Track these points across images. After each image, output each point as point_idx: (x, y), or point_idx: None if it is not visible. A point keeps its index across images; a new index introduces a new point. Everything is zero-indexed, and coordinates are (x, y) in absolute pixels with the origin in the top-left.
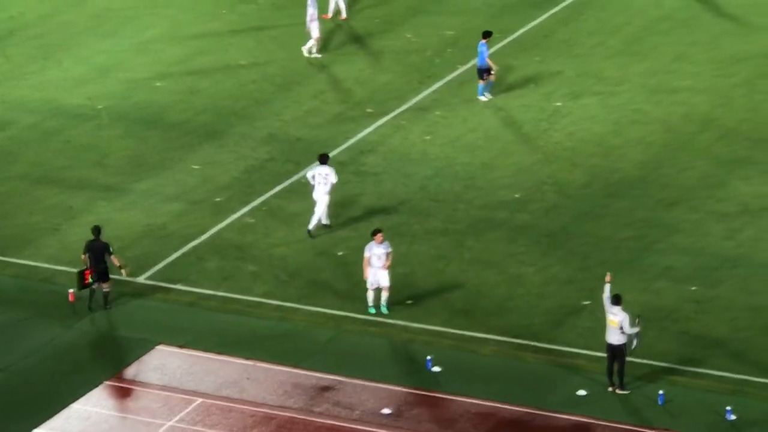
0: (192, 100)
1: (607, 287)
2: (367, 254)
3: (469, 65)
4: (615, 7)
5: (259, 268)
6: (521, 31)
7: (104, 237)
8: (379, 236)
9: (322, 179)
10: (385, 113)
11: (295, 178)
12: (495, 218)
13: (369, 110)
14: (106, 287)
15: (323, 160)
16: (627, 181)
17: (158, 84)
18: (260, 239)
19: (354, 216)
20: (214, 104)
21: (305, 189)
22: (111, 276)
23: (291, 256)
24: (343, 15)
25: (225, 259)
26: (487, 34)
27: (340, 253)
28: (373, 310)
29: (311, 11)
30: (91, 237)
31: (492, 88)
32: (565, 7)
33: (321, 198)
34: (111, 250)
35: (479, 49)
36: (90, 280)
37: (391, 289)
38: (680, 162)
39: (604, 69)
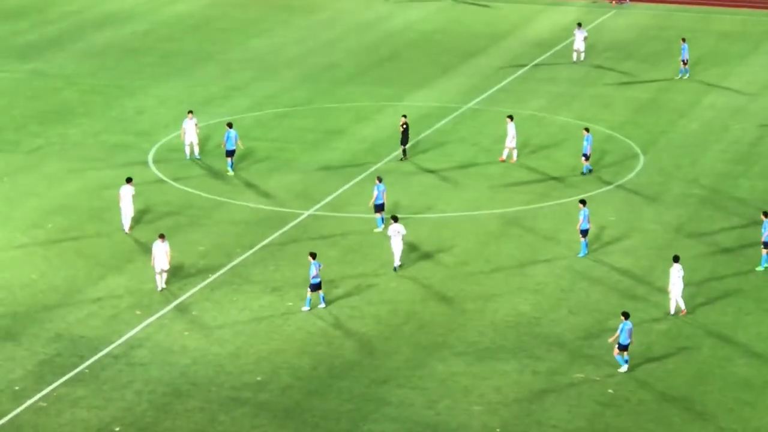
0: None
1: None
2: None
3: (217, 275)
4: (330, 224)
5: None
6: (259, 245)
7: None
8: None
9: (395, 232)
10: (151, 314)
11: (79, 369)
12: (241, 397)
13: (138, 312)
14: None
15: (395, 219)
16: (347, 365)
17: None
18: (52, 419)
19: (126, 399)
20: (12, 310)
21: (87, 377)
22: None
23: None
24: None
25: None
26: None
27: (117, 429)
28: None
29: None
30: None
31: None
32: (295, 225)
33: (397, 245)
34: None
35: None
36: None
37: None
38: (389, 348)
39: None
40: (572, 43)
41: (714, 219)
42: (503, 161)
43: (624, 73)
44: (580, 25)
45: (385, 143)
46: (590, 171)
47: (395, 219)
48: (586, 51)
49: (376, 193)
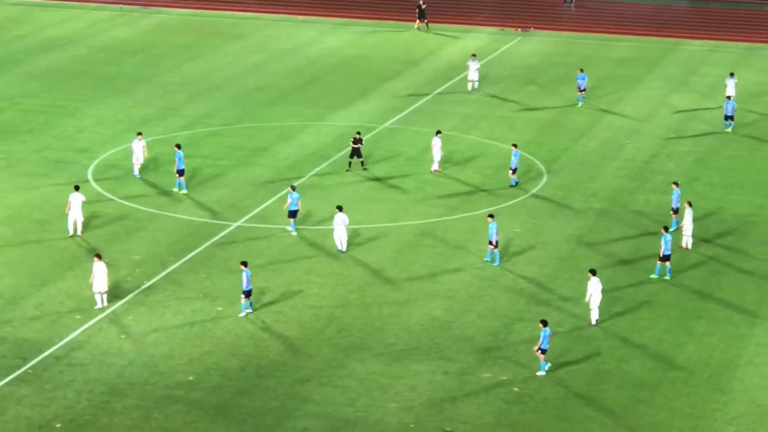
0: None
1: None
2: None
3: (152, 282)
4: (257, 234)
5: None
6: (191, 254)
7: None
8: None
9: (340, 222)
10: (90, 319)
11: (22, 370)
12: (175, 395)
13: (78, 317)
14: None
15: (340, 209)
16: (272, 365)
17: None
18: None
19: (67, 397)
20: None
21: (30, 377)
22: None
23: None
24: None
25: None
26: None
27: (58, 425)
28: None
29: None
30: None
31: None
32: (225, 235)
33: (341, 233)
34: None
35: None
36: None
37: None
38: (311, 349)
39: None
40: (467, 74)
41: (611, 230)
42: (438, 171)
43: (527, 96)
44: (474, 56)
45: (308, 159)
46: (516, 184)
47: (340, 209)
48: (479, 80)
49: (289, 201)
